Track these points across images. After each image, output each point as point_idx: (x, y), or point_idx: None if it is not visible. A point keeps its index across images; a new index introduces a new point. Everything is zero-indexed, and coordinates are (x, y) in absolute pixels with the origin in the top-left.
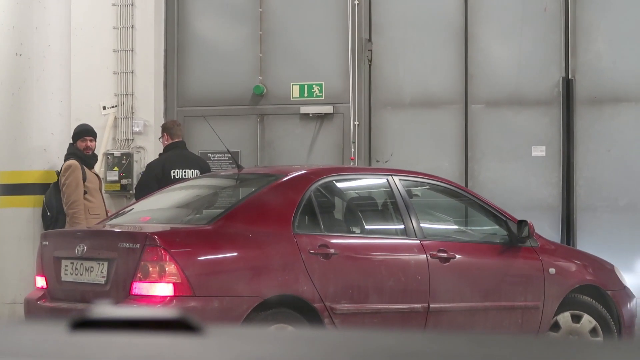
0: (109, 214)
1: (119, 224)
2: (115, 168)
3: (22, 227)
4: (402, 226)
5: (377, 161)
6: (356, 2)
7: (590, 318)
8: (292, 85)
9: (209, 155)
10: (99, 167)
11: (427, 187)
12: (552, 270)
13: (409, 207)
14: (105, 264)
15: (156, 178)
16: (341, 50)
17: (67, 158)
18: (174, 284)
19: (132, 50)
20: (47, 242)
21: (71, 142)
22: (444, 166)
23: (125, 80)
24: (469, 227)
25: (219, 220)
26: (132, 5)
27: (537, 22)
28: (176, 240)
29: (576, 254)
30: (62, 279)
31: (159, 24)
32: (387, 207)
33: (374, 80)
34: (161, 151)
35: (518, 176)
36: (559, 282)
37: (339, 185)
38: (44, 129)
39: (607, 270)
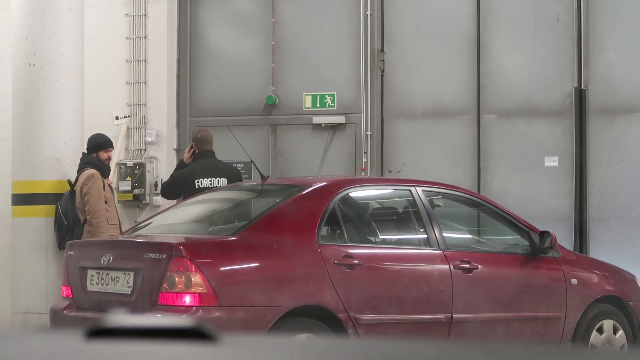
0: (135, 224)
1: (144, 235)
2: (128, 178)
3: (34, 236)
4: (425, 237)
5: (390, 171)
6: (369, 12)
7: (622, 331)
8: (305, 95)
9: None
10: (111, 177)
11: (449, 197)
12: (574, 281)
13: (432, 218)
14: (132, 274)
15: (182, 186)
16: (353, 60)
17: (83, 167)
18: (200, 295)
19: (145, 61)
20: (72, 252)
21: (84, 151)
22: (456, 176)
23: (137, 91)
24: (491, 238)
25: (244, 231)
26: (145, 15)
27: (550, 33)
28: (202, 251)
29: (597, 264)
30: (88, 289)
31: (171, 35)
32: (410, 217)
33: (386, 90)
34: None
35: (531, 186)
36: (580, 293)
37: (362, 196)
38: (56, 139)
39: (628, 281)
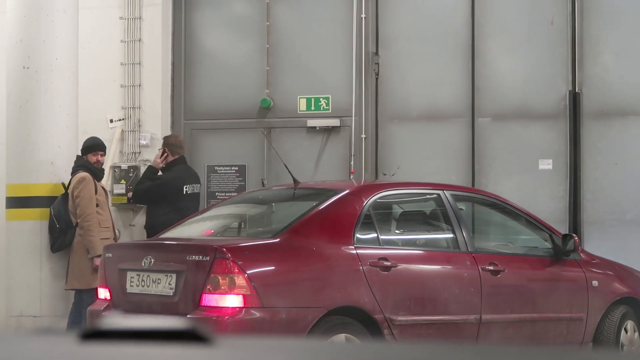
0: (170, 227)
1: (183, 237)
2: (123, 181)
3: (28, 239)
4: (455, 239)
5: (384, 174)
6: (363, 15)
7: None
8: (299, 98)
9: (216, 168)
10: (105, 180)
11: (476, 201)
12: (595, 283)
13: (461, 221)
14: (174, 276)
15: (168, 191)
16: (348, 63)
17: (76, 170)
18: (244, 296)
19: (140, 64)
20: (110, 254)
21: (79, 154)
22: (451, 179)
23: (132, 93)
24: (516, 240)
25: (284, 234)
26: (140, 18)
27: (544, 36)
28: (245, 253)
29: (615, 266)
30: (128, 291)
31: (166, 37)
32: (440, 220)
33: (381, 93)
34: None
35: (525, 189)
36: (601, 294)
37: (394, 199)
38: (51, 142)
39: None
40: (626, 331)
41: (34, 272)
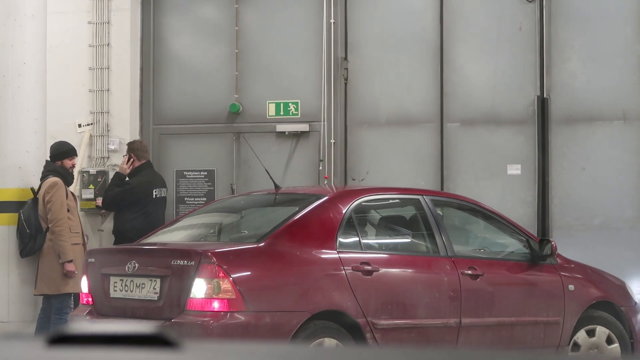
0: (151, 232)
1: (168, 242)
2: (91, 186)
3: None
4: (435, 244)
5: (353, 179)
6: (332, 20)
7: (604, 328)
8: (268, 103)
9: (185, 173)
10: (74, 185)
11: (455, 206)
12: (571, 287)
13: (440, 226)
14: (158, 280)
15: (138, 195)
16: (317, 68)
17: (46, 175)
18: (229, 300)
19: (108, 68)
20: (93, 259)
21: (48, 159)
22: (420, 184)
23: (100, 98)
24: (494, 245)
25: (268, 238)
26: (108, 23)
27: (513, 41)
28: (230, 258)
29: (591, 271)
30: (111, 296)
31: (135, 42)
32: (421, 225)
33: (350, 98)
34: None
35: (494, 194)
36: (577, 298)
37: (376, 204)
38: (19, 147)
39: (619, 287)
40: (593, 334)
41: (1, 277)
